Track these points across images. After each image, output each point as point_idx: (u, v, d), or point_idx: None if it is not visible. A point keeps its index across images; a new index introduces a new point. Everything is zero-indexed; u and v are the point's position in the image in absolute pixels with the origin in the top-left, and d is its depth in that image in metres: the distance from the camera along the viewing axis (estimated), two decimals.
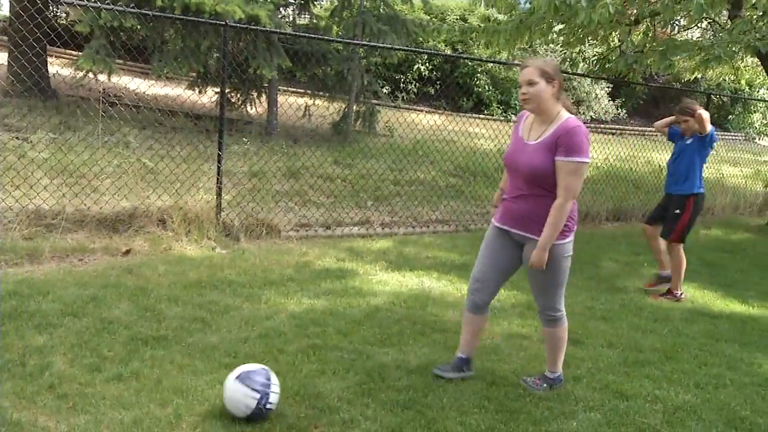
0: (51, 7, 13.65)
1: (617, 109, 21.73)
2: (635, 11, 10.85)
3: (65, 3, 11.70)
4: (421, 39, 14.53)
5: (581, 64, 15.85)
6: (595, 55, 14.84)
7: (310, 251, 7.03)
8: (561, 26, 11.74)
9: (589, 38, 11.99)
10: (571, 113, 4.04)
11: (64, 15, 15.50)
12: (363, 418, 3.90)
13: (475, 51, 19.44)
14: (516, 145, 4.15)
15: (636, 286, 7.08)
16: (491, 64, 19.26)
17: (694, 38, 14.41)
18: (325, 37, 11.97)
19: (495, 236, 4.35)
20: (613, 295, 6.65)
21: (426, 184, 10.26)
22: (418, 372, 4.54)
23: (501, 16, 15.69)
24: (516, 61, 17.70)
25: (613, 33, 12.09)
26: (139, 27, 10.49)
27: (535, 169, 3.96)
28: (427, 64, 19.36)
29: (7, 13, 17.28)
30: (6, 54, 12.10)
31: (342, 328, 5.13)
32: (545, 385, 4.46)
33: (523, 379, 4.53)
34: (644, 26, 11.79)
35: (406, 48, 11.76)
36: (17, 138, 8.91)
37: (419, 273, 6.72)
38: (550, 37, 12.38)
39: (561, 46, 13.80)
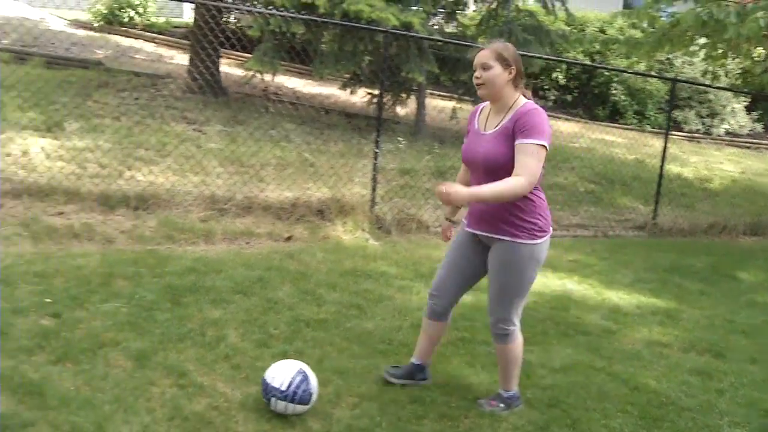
0: (225, 15, 14.21)
1: (753, 123, 20.55)
2: None
3: (239, 10, 12.26)
4: (560, 49, 14.25)
5: (723, 78, 15.16)
6: (738, 69, 14.12)
7: None
8: (704, 40, 11.27)
9: (731, 52, 11.42)
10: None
11: (234, 21, 16.10)
12: (510, 413, 3.87)
13: (612, 61, 18.88)
14: (472, 138, 3.66)
15: None
16: (628, 75, 18.64)
17: None
18: (475, 45, 11.92)
19: (462, 240, 3.84)
20: (754, 310, 6.29)
21: (566, 189, 10.05)
22: (562, 372, 4.46)
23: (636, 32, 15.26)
24: (652, 73, 17.17)
25: (759, 47, 11.48)
26: (302, 32, 10.77)
27: (493, 159, 3.46)
28: (565, 73, 18.95)
29: (188, 20, 18.22)
30: (186, 56, 12.76)
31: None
32: (501, 404, 3.88)
33: (478, 402, 3.93)
34: None
35: (547, 57, 11.54)
36: (195, 130, 9.34)
37: (561, 275, 6.60)
38: (691, 50, 11.88)
39: (702, 60, 13.21)
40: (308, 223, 6.83)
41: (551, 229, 3.66)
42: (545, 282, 6.32)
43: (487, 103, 3.66)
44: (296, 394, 3.51)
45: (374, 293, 5.42)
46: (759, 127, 20.52)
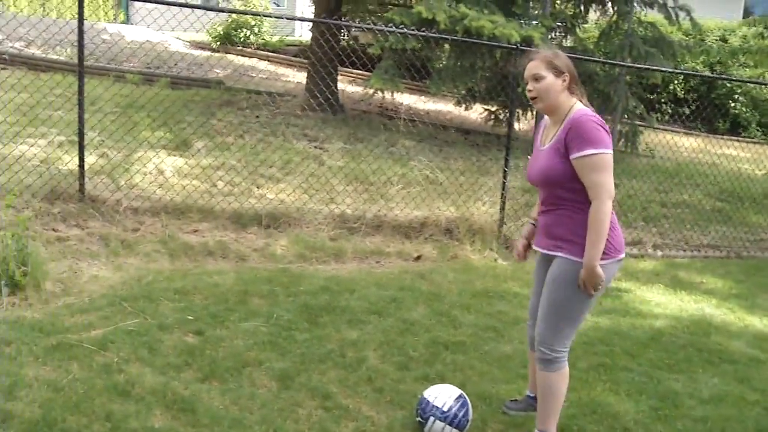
0: (342, 32, 14.45)
1: None
2: None
3: (358, 28, 12.41)
4: (678, 60, 13.78)
5: None
6: None
7: None
8: None
9: None
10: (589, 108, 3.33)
11: (346, 38, 16.37)
12: None
13: (735, 72, 18.11)
14: (533, 155, 3.48)
15: None
16: (752, 85, 17.82)
17: None
18: (593, 58, 11.68)
19: (538, 263, 3.64)
20: None
21: (692, 207, 9.63)
22: (712, 403, 4.23)
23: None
24: None
25: None
26: (420, 48, 10.80)
27: (546, 176, 3.27)
28: (683, 85, 18.30)
29: (299, 38, 18.64)
30: (300, 73, 13.02)
31: (629, 349, 4.90)
32: None
33: None
34: None
35: (666, 69, 11.13)
36: (316, 147, 9.48)
37: (696, 298, 6.30)
38: None
39: None
40: (436, 242, 6.78)
41: (620, 253, 3.32)
42: (681, 305, 6.05)
43: None
44: (456, 417, 3.45)
45: (509, 315, 5.31)
46: None
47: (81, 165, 6.19)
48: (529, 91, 3.32)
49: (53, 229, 5.85)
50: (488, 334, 4.92)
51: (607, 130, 3.19)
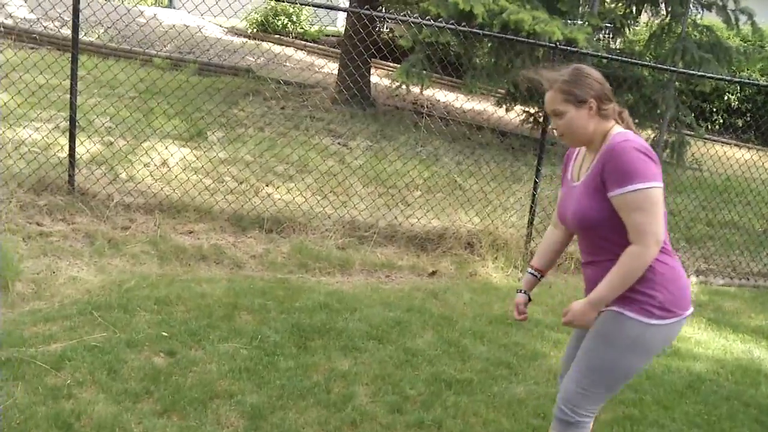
0: (378, 24, 13.88)
1: None
2: None
3: (390, 19, 11.80)
4: (735, 68, 12.96)
5: None
6: None
7: None
8: None
9: None
10: (631, 128, 2.72)
11: (387, 30, 15.78)
12: None
13: None
14: (565, 191, 2.86)
15: None
16: None
17: None
18: (641, 62, 10.94)
19: None
20: None
21: (742, 229, 8.84)
22: None
23: None
24: None
25: None
26: (454, 43, 10.20)
27: (582, 220, 2.69)
28: (738, 94, 17.37)
29: (339, 28, 18.11)
30: (334, 65, 12.45)
31: (661, 399, 4.24)
32: None
33: None
34: None
35: (719, 77, 10.35)
36: (340, 144, 8.93)
37: (744, 338, 5.59)
38: None
39: None
40: (455, 256, 6.15)
41: (685, 311, 2.69)
42: (725, 345, 5.35)
43: None
44: None
45: (526, 348, 4.68)
46: None
47: (71, 155, 5.71)
48: (554, 129, 2.78)
49: (37, 223, 5.38)
50: (500, 371, 4.30)
51: (654, 158, 2.56)
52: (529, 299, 3.19)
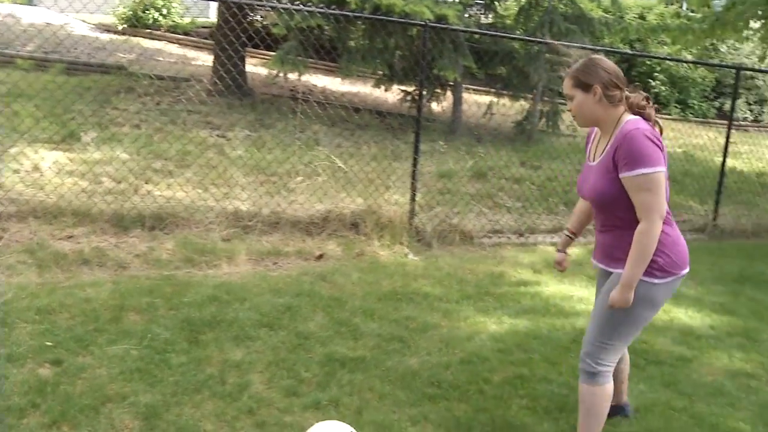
0: (250, 12, 13.65)
1: None
2: None
3: (260, 7, 11.66)
4: (599, 38, 13.50)
5: None
6: None
7: (504, 260, 6.34)
8: (759, 23, 10.49)
9: None
10: (643, 114, 3.05)
11: (260, 18, 15.56)
12: None
13: (653, 50, 18.00)
14: (585, 168, 3.27)
15: None
16: (671, 63, 17.75)
17: None
18: (513, 36, 11.24)
19: (598, 276, 3.48)
20: None
21: None
22: (639, 416, 3.79)
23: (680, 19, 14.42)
24: (702, 60, 16.28)
25: None
26: (328, 27, 10.19)
27: (598, 194, 3.06)
28: None
29: (212, 19, 17.69)
30: (211, 56, 12.19)
31: (549, 356, 4.42)
32: None
33: None
34: None
35: (586, 46, 10.79)
36: (219, 136, 8.78)
37: None
38: (744, 34, 11.09)
39: (759, 43, 12.36)
40: (341, 238, 6.18)
41: (683, 269, 3.11)
42: None
43: None
44: None
45: (417, 321, 4.77)
46: None
47: None
48: (569, 110, 3.16)
49: None
50: (392, 346, 4.37)
51: (660, 144, 2.96)
52: (566, 254, 3.68)
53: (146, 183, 6.67)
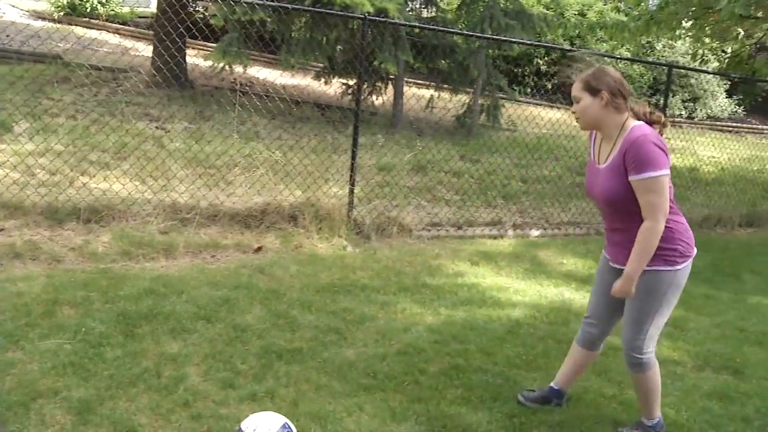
0: (191, 3, 13.46)
1: (735, 107, 20.16)
2: None
3: None
4: (539, 34, 13.71)
5: (712, 62, 14.71)
6: (726, 52, 13.63)
7: (442, 253, 6.41)
8: (690, 23, 10.78)
9: (721, 34, 10.92)
10: (648, 119, 3.32)
11: (202, 9, 15.34)
12: None
13: (593, 46, 18.32)
14: (590, 170, 3.48)
15: None
16: (608, 60, 18.10)
17: None
18: (454, 30, 11.32)
19: (603, 268, 3.64)
20: (764, 315, 5.76)
21: (553, 182, 9.44)
22: (570, 404, 3.87)
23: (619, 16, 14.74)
24: (637, 58, 16.65)
25: (747, 29, 10.98)
26: (269, 19, 10.11)
27: (611, 197, 3.29)
28: (545, 59, 18.38)
29: (153, 9, 17.37)
30: (151, 48, 11.98)
31: (484, 346, 4.50)
32: None
33: (619, 430, 3.67)
34: None
35: (529, 42, 10.93)
36: (158, 128, 8.65)
37: (557, 282, 6.02)
38: (677, 33, 11.38)
39: (690, 42, 12.71)
40: (280, 230, 6.17)
41: (694, 251, 3.41)
42: (540, 290, 5.75)
43: None
44: None
45: (354, 312, 4.81)
46: (740, 110, 20.15)
47: None
48: (573, 112, 3.36)
49: None
50: (329, 337, 4.40)
51: (665, 149, 3.18)
52: None
53: (82, 175, 6.55)
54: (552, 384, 3.86)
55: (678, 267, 3.31)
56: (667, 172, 3.15)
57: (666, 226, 3.22)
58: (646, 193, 3.15)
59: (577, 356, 3.80)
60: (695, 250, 3.41)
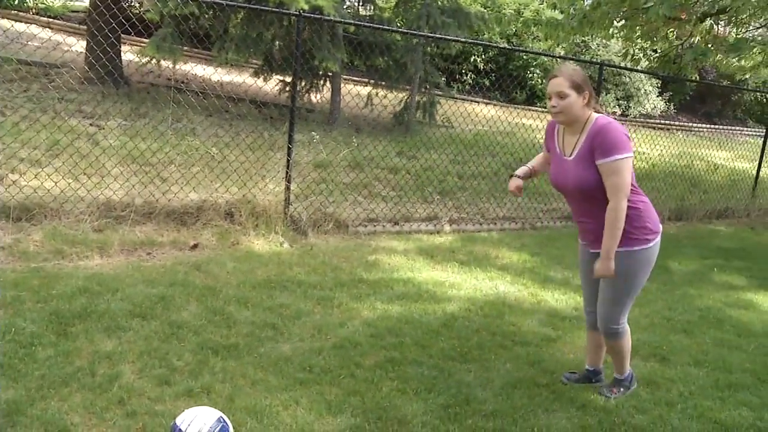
0: None
1: (666, 105, 20.78)
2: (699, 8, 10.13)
3: None
4: (477, 31, 13.88)
5: (643, 61, 15.10)
6: (657, 52, 14.02)
7: (379, 248, 6.48)
8: (622, 23, 11.08)
9: (651, 34, 11.25)
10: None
11: (137, 4, 15.09)
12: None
13: (530, 44, 18.64)
14: (556, 162, 3.73)
15: (711, 294, 6.39)
16: (545, 58, 18.44)
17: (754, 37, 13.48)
18: (392, 28, 11.39)
19: (583, 258, 3.96)
20: (690, 305, 5.99)
21: (489, 178, 9.59)
22: (504, 394, 3.96)
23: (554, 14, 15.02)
24: (569, 56, 16.98)
25: (673, 30, 11.33)
26: (206, 16, 10.03)
27: (584, 185, 3.56)
28: (483, 56, 18.63)
29: (86, 3, 16.99)
30: (84, 43, 11.73)
31: (420, 339, 4.57)
32: (621, 389, 4.10)
33: (599, 391, 4.08)
34: (708, 24, 10.93)
35: (466, 40, 11.09)
36: (91, 125, 8.50)
37: (492, 275, 6.14)
38: (610, 32, 11.67)
39: (622, 41, 13.03)
40: (216, 228, 6.15)
41: (660, 226, 3.72)
42: (476, 284, 5.86)
43: None
44: None
45: (291, 308, 4.83)
46: (671, 108, 20.76)
47: None
48: (553, 106, 3.54)
49: None
50: (266, 333, 4.41)
51: (627, 135, 3.47)
52: (519, 178, 4.00)
53: (11, 172, 6.40)
54: (587, 366, 4.22)
55: (650, 244, 3.62)
56: (631, 154, 3.43)
57: (633, 207, 3.53)
58: (611, 175, 3.42)
59: (592, 338, 4.14)
60: (661, 226, 3.71)
